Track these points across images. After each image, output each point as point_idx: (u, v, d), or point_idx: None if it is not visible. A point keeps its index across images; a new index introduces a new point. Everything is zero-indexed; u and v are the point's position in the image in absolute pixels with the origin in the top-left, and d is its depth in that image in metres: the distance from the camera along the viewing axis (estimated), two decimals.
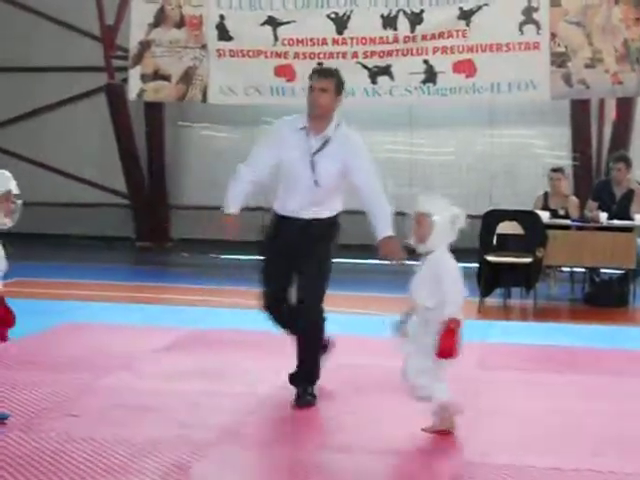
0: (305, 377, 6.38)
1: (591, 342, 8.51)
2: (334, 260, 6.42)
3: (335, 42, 13.84)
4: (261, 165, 6.40)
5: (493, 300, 10.70)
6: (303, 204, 6.29)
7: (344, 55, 13.79)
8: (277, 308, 6.50)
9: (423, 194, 5.70)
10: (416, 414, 5.82)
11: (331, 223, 6.40)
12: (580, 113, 14.84)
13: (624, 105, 14.58)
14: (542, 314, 10.20)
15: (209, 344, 7.94)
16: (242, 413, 5.94)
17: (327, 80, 6.29)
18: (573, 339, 8.64)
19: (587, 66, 13.31)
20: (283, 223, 6.43)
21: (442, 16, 13.55)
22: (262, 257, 6.59)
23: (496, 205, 11.72)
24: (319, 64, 13.79)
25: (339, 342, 7.84)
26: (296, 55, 13.88)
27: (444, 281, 5.40)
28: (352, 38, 13.77)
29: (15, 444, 5.24)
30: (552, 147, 15.27)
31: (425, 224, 5.43)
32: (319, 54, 13.83)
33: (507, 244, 10.55)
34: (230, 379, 6.79)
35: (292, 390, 6.40)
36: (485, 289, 10.41)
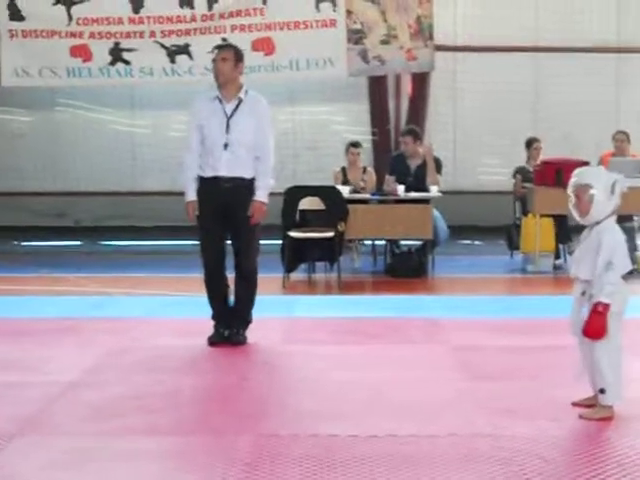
0: (241, 319, 7.28)
1: (393, 312, 8.75)
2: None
3: (132, 21, 13.67)
4: (197, 143, 7.18)
5: (298, 275, 10.86)
6: (223, 164, 7.07)
7: (141, 34, 13.65)
8: (217, 266, 7.21)
9: (582, 168, 5.65)
10: (220, 389, 5.87)
11: (252, 182, 7.15)
12: (377, 89, 15.19)
13: (419, 80, 15.01)
14: (346, 287, 10.42)
15: (9, 334, 7.73)
16: (45, 402, 5.83)
17: (226, 51, 7.23)
18: (376, 310, 8.86)
19: (383, 42, 13.63)
20: (208, 184, 7.10)
21: None
22: (198, 219, 7.22)
23: (301, 182, 11.87)
24: (116, 44, 13.62)
25: (147, 325, 7.85)
26: (91, 35, 13.64)
27: (599, 256, 5.27)
28: (149, 17, 13.64)
29: None
30: (352, 123, 15.58)
31: (584, 196, 5.33)
32: (115, 34, 13.64)
33: (310, 219, 10.71)
34: (33, 369, 6.64)
35: (96, 376, 6.37)
36: (289, 265, 10.54)
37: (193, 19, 13.62)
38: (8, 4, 13.72)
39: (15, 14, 13.72)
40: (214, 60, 7.22)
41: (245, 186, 7.17)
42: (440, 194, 11.07)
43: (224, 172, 7.12)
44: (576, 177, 5.43)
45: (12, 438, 5.15)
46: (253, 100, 7.26)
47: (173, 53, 13.59)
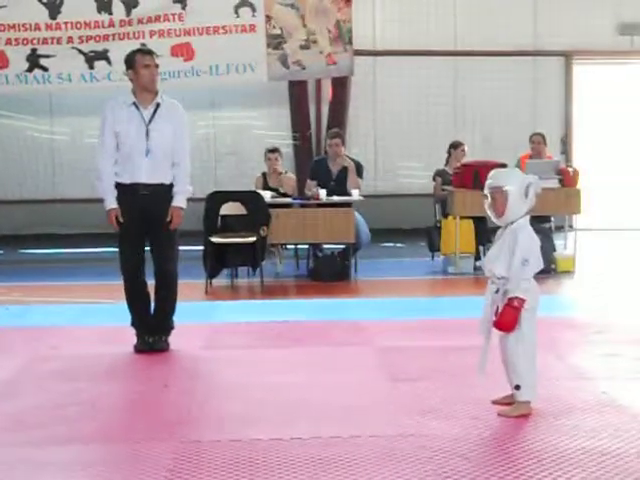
0: (163, 326, 7.26)
1: (316, 316, 8.78)
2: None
3: (49, 27, 13.49)
4: (113, 150, 7.10)
5: (221, 281, 10.83)
6: (143, 171, 7.03)
7: (59, 40, 13.47)
8: (136, 272, 7.18)
9: (497, 170, 5.75)
10: (141, 396, 5.83)
11: (170, 188, 7.13)
12: (298, 94, 15.23)
13: (339, 85, 15.08)
14: (269, 292, 10.41)
15: None
16: None
17: (154, 57, 7.25)
18: (299, 314, 8.87)
19: (302, 47, 13.64)
20: (126, 191, 7.04)
21: (157, 0, 13.51)
22: (119, 226, 7.15)
23: (222, 187, 11.84)
24: (33, 50, 13.44)
25: (66, 333, 7.77)
26: (8, 41, 13.44)
27: (514, 254, 5.34)
28: (66, 23, 13.47)
29: None
30: (273, 127, 15.61)
31: (499, 197, 5.39)
32: (32, 40, 13.45)
33: (232, 225, 10.68)
34: None
35: (14, 385, 6.29)
36: (211, 270, 10.50)
37: (111, 24, 13.49)
38: None
39: None
40: (146, 65, 7.12)
41: (164, 192, 7.13)
42: (362, 198, 11.13)
43: (144, 179, 7.08)
44: (491, 179, 5.53)
45: None
46: (170, 106, 7.22)
47: (91, 59, 13.45)
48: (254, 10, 13.64)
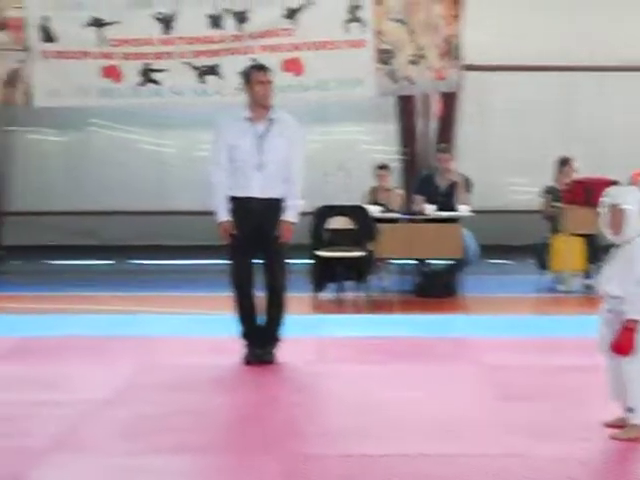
0: (271, 339, 7.30)
1: (422, 331, 8.73)
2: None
3: (162, 42, 13.75)
4: (226, 163, 7.19)
5: (327, 295, 10.85)
6: (255, 186, 7.11)
7: (171, 55, 13.72)
8: (246, 285, 7.26)
9: (614, 187, 5.75)
10: (251, 408, 5.89)
11: (281, 202, 7.19)
12: (406, 109, 15.18)
13: (447, 100, 14.99)
14: (375, 306, 10.39)
15: (39, 352, 7.79)
16: (76, 420, 5.86)
17: (268, 73, 7.31)
18: (405, 329, 8.84)
19: (411, 62, 13.61)
20: (239, 204, 7.16)
21: (268, 15, 13.64)
22: (231, 239, 7.23)
23: (330, 201, 11.87)
24: (146, 64, 13.71)
25: (174, 343, 7.89)
26: (122, 56, 13.73)
27: (631, 273, 5.30)
28: (179, 38, 13.71)
29: None
30: (381, 142, 15.60)
31: (617, 215, 5.38)
32: (146, 54, 13.71)
33: (339, 239, 10.70)
34: (62, 387, 6.68)
35: (126, 394, 6.40)
36: (318, 284, 10.54)
37: (222, 40, 13.69)
38: (40, 26, 13.86)
39: (48, 36, 13.83)
40: (260, 82, 7.18)
41: (275, 206, 7.20)
42: (470, 213, 11.04)
43: (256, 193, 7.16)
44: (608, 196, 5.44)
45: (45, 455, 5.19)
46: (284, 120, 7.28)
47: (203, 73, 13.64)
48: (364, 25, 13.68)
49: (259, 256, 7.30)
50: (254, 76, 7.23)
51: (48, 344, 8.08)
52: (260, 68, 7.42)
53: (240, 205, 7.19)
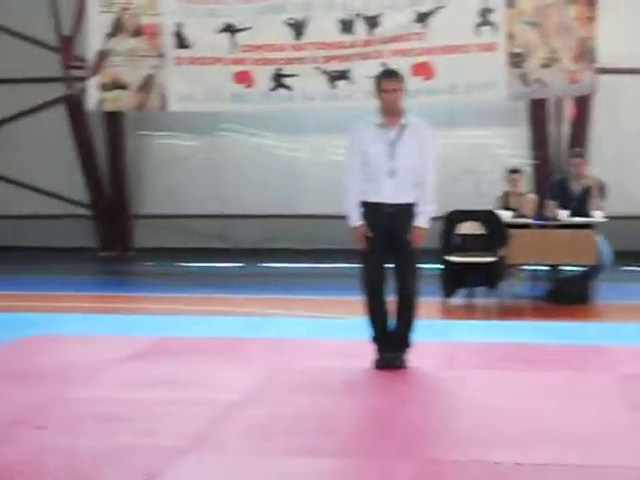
0: (402, 344, 7.29)
1: (555, 339, 8.58)
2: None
3: (293, 48, 13.90)
4: (359, 168, 7.21)
5: (457, 300, 10.77)
6: (387, 191, 7.12)
7: (303, 60, 13.86)
8: (378, 289, 7.25)
9: None
10: (381, 412, 5.87)
11: (413, 207, 7.19)
12: (537, 113, 14.98)
13: (581, 104, 14.73)
14: (505, 312, 10.28)
15: (174, 352, 7.93)
16: (210, 420, 5.95)
17: (396, 81, 7.20)
18: (537, 336, 8.71)
19: (543, 65, 13.45)
20: (371, 209, 7.18)
21: (399, 19, 13.65)
22: (365, 244, 7.24)
23: (459, 206, 11.79)
24: (278, 70, 13.88)
25: (305, 346, 7.94)
26: (254, 61, 13.93)
27: None
28: (310, 43, 13.84)
29: None
30: (512, 146, 15.43)
31: None
32: (278, 60, 13.89)
33: (470, 244, 10.62)
34: (196, 387, 6.79)
35: (258, 395, 6.47)
36: (448, 289, 10.47)
37: (353, 44, 13.76)
38: (175, 32, 14.16)
39: (181, 42, 14.15)
40: (383, 90, 7.17)
41: (407, 211, 7.18)
42: (604, 219, 10.82)
43: (388, 198, 7.16)
44: None
45: (180, 454, 5.27)
46: (416, 125, 7.25)
47: (334, 78, 13.75)
48: (495, 29, 13.57)
49: (390, 261, 7.29)
50: (381, 83, 7.21)
51: (182, 344, 8.22)
52: (388, 75, 7.35)
53: (372, 210, 7.20)
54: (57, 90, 15.46)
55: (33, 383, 6.88)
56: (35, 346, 8.25)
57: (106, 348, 8.11)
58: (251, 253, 15.19)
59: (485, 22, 13.52)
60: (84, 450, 5.32)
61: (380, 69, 13.29)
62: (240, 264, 14.63)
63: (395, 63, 13.27)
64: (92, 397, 6.53)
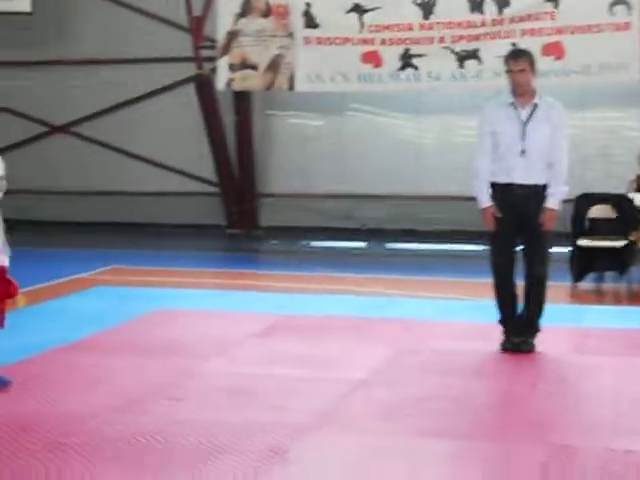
0: (530, 328, 7.20)
1: None
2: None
3: (422, 27, 13.81)
4: (489, 149, 7.15)
5: (586, 284, 10.58)
6: (517, 172, 7.03)
7: (431, 40, 13.76)
8: (507, 272, 7.15)
9: None
10: (510, 396, 5.83)
11: (544, 189, 7.07)
12: None
13: None
14: (635, 297, 10.06)
15: (301, 330, 8.01)
16: (338, 398, 6.00)
17: (522, 60, 7.11)
18: None
19: None
20: (501, 190, 7.10)
21: None
22: (494, 226, 7.17)
23: (589, 189, 11.55)
24: (405, 49, 13.81)
25: (432, 327, 7.93)
26: (382, 41, 13.89)
27: None
28: (439, 23, 13.72)
29: (115, 427, 5.36)
30: None
31: None
32: (406, 40, 13.82)
33: (600, 228, 10.42)
34: (324, 365, 6.84)
35: (385, 375, 6.49)
36: (578, 273, 10.29)
37: (483, 24, 13.59)
38: (303, 12, 14.21)
39: (310, 22, 14.19)
40: (510, 70, 7.11)
41: (538, 193, 7.08)
42: None
43: (518, 179, 7.07)
44: None
45: (307, 431, 5.33)
46: (548, 105, 7.14)
47: (462, 58, 13.61)
48: (629, 8, 13.24)
49: (520, 243, 7.20)
50: (509, 63, 7.15)
51: (308, 322, 8.30)
52: (515, 55, 7.27)
53: (502, 191, 7.12)
54: (188, 70, 15.67)
55: (165, 356, 7.04)
56: (163, 320, 8.43)
57: (234, 324, 8.24)
58: (376, 233, 15.19)
59: (619, 1, 13.20)
60: (216, 423, 5.43)
61: (510, 49, 13.23)
62: (365, 244, 14.66)
63: (525, 43, 13.06)
64: (223, 371, 6.66)
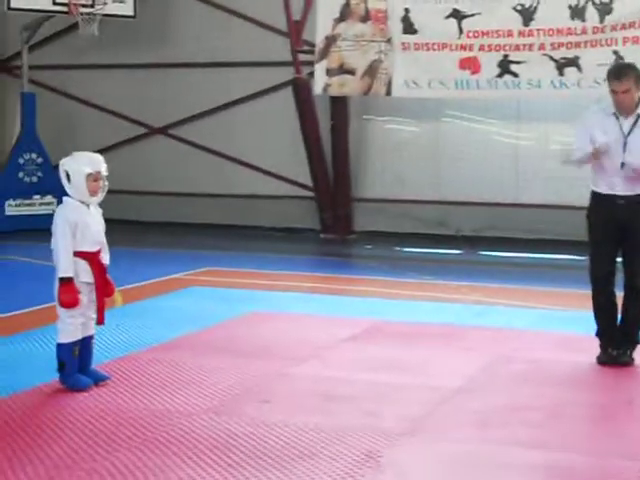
0: (629, 340, 7.08)
1: None
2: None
3: (521, 34, 13.67)
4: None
5: None
6: (618, 183, 6.92)
7: (530, 47, 13.61)
8: (606, 282, 7.05)
9: None
10: (605, 409, 5.74)
11: None
12: None
13: None
14: None
15: (394, 336, 8.00)
16: (431, 405, 5.98)
17: (626, 80, 6.89)
18: None
19: None
20: (602, 200, 7.02)
21: (633, 5, 13.19)
22: (591, 235, 7.15)
23: None
24: (505, 56, 13.69)
25: (528, 336, 7.84)
26: (481, 47, 13.78)
27: None
28: (539, 30, 13.57)
29: (208, 427, 5.43)
30: None
31: None
32: (505, 46, 13.70)
33: None
34: (418, 371, 6.83)
35: (479, 383, 6.45)
36: None
37: (584, 31, 13.40)
38: (402, 18, 14.19)
39: (408, 28, 14.16)
40: (613, 91, 6.92)
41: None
42: None
43: (620, 190, 6.95)
44: None
45: (401, 437, 5.33)
46: None
47: (562, 66, 13.43)
48: None
49: (620, 254, 7.08)
50: (611, 83, 6.97)
51: (401, 329, 8.28)
52: (617, 76, 6.95)
53: (603, 201, 7.02)
54: (286, 74, 15.78)
55: (259, 359, 7.09)
56: (258, 322, 8.50)
57: (326, 328, 8.27)
58: (471, 240, 15.08)
59: None
60: (306, 426, 5.46)
61: (612, 57, 13.03)
62: (460, 251, 14.57)
63: (627, 51, 12.89)
64: (314, 375, 6.68)
